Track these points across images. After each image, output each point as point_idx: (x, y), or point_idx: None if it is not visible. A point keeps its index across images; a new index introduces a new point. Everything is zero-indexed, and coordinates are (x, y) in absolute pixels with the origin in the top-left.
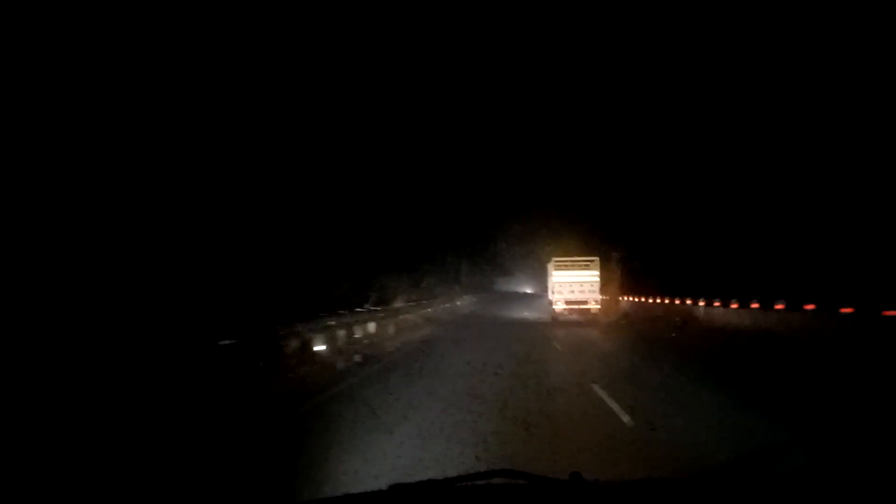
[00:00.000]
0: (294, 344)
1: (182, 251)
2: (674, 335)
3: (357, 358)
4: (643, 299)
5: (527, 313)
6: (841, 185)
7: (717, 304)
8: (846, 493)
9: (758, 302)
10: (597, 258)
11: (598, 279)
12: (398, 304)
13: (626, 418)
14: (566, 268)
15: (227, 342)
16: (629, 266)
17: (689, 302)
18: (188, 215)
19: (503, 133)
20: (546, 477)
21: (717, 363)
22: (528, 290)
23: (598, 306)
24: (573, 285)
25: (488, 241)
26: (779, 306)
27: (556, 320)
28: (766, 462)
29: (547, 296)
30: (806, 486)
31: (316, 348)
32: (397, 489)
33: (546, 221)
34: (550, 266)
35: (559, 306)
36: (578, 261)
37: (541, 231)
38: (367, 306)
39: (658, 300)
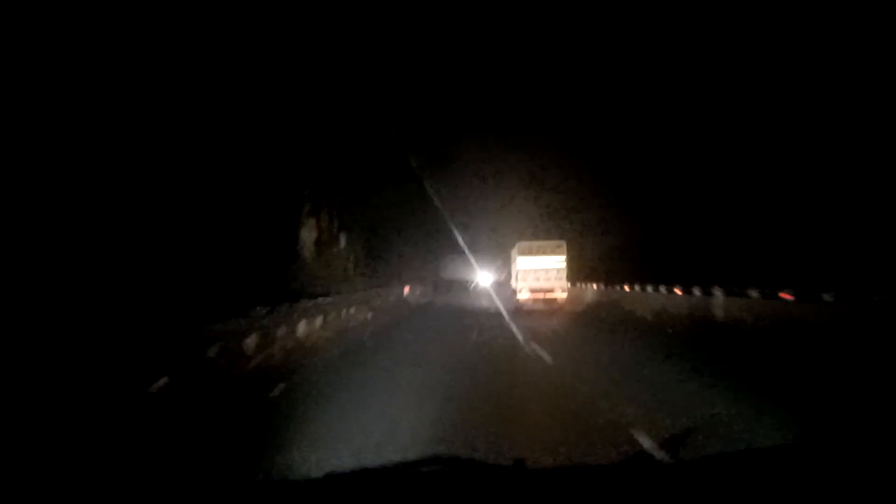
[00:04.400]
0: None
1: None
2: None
3: None
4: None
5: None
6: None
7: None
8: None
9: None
10: (563, 242)
11: (564, 265)
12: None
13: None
14: (531, 253)
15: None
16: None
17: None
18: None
19: (461, 68)
20: (487, 463)
21: None
22: (489, 280)
23: (565, 294)
24: (538, 272)
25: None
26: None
27: (520, 310)
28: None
29: (511, 285)
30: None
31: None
32: (332, 478)
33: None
34: (514, 251)
35: (523, 295)
36: (544, 245)
37: (508, 202)
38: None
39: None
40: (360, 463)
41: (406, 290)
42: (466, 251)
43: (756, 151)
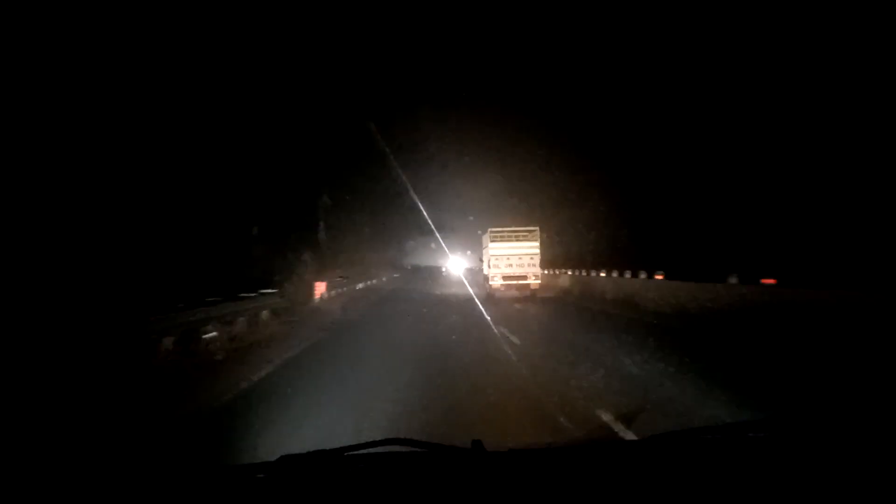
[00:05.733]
0: None
1: None
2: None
3: None
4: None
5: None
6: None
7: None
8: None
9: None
10: (536, 228)
11: (538, 251)
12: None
13: None
14: (503, 238)
15: None
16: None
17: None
18: None
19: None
20: (444, 445)
21: None
22: (462, 268)
23: (538, 281)
24: (511, 258)
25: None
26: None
27: (492, 297)
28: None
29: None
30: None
31: None
32: (286, 460)
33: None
34: (486, 237)
35: (496, 281)
36: (517, 231)
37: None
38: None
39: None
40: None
41: (318, 289)
42: (436, 233)
43: (737, 145)
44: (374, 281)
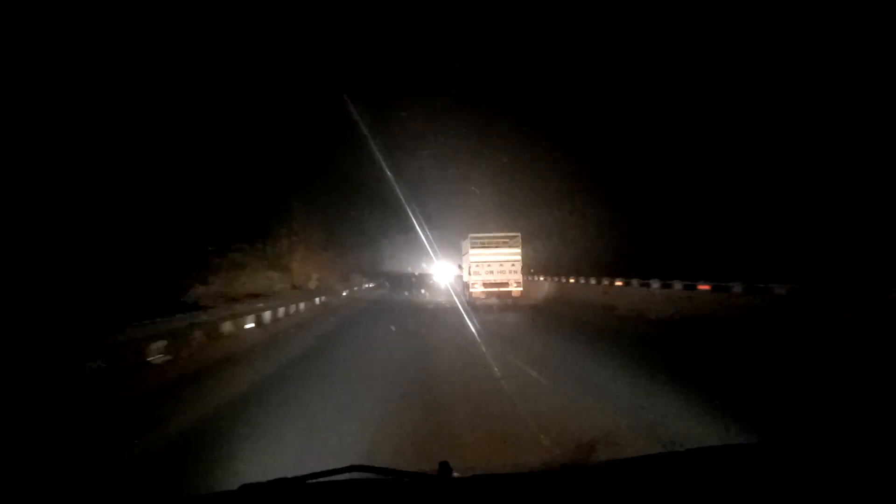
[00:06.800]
0: None
1: None
2: None
3: None
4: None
5: None
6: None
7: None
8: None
9: None
10: (518, 234)
11: (519, 258)
12: None
13: None
14: (484, 245)
15: None
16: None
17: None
18: None
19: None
20: (408, 471)
21: None
22: (450, 274)
23: (520, 288)
24: (492, 265)
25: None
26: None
27: (472, 305)
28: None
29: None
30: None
31: None
32: (247, 489)
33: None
34: (466, 243)
35: (477, 289)
36: (498, 237)
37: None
38: None
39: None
40: None
41: None
42: (421, 236)
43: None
44: (325, 298)
